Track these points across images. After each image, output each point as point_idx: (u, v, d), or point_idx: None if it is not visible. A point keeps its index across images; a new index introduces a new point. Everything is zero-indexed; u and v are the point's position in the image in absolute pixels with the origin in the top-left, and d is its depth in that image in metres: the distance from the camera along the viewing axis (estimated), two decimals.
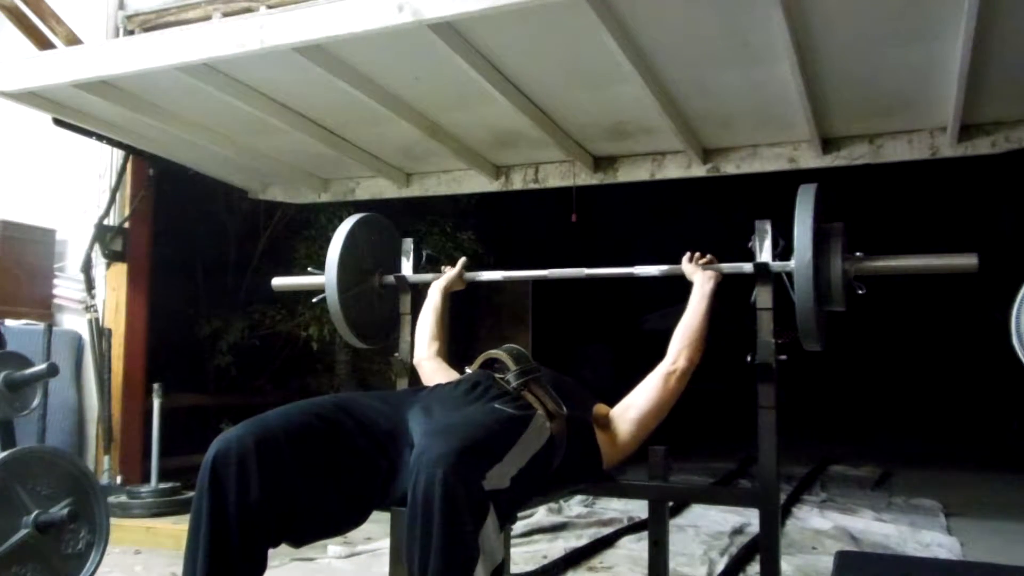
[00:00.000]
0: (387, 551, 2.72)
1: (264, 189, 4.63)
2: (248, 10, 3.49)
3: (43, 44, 3.68)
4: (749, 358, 2.17)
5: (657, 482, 2.26)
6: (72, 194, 4.59)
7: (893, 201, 9.19)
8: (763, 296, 2.19)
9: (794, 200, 2.08)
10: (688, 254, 2.30)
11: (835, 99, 3.04)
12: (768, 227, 2.22)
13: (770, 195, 3.04)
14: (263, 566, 1.61)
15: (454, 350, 2.53)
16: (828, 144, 3.41)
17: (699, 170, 3.63)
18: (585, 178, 3.82)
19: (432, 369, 2.42)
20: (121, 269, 4.50)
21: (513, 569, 3.06)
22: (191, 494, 1.64)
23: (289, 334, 5.55)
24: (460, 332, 7.07)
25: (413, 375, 2.57)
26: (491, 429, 1.65)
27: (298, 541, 1.71)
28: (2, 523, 2.28)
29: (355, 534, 3.13)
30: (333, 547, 3.50)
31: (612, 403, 2.08)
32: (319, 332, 5.25)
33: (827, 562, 3.28)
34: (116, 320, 4.45)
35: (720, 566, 3.41)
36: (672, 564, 2.50)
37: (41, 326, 4.15)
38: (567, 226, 3.98)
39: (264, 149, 3.91)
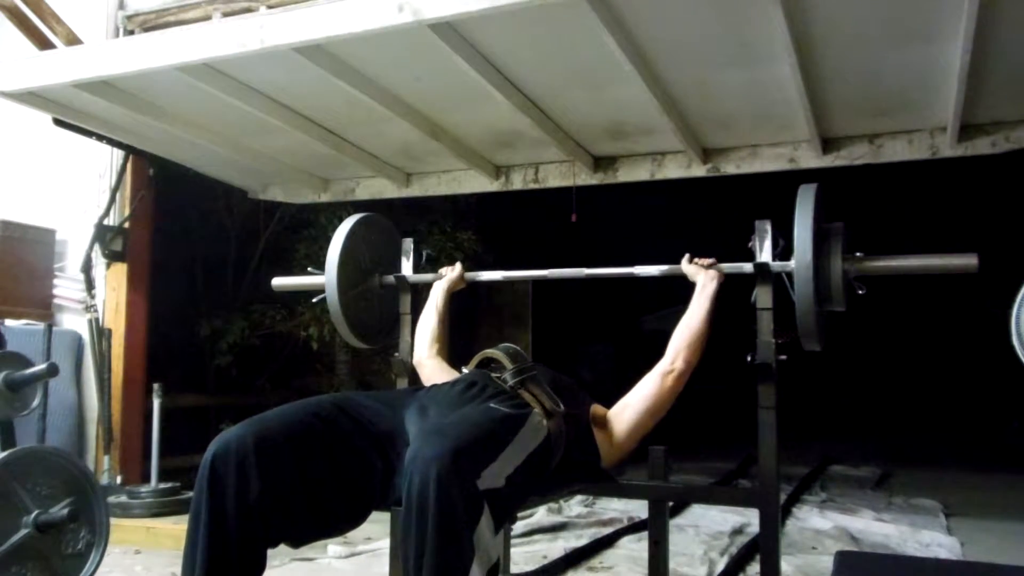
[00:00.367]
0: (387, 551, 2.73)
1: (264, 189, 4.63)
2: (248, 10, 3.49)
3: (43, 44, 3.68)
4: (749, 358, 2.17)
5: (657, 482, 2.27)
6: (72, 194, 4.59)
7: (893, 201, 9.18)
8: (763, 296, 2.19)
9: (794, 200, 2.08)
10: (688, 255, 2.30)
11: (835, 99, 3.03)
12: (768, 227, 2.22)
13: (770, 195, 3.03)
14: (262, 566, 1.61)
15: (454, 350, 2.53)
16: (828, 144, 3.40)
17: (699, 170, 3.63)
18: (585, 178, 3.82)
19: (432, 369, 2.42)
20: (121, 269, 4.50)
21: (513, 569, 3.06)
22: (191, 494, 1.64)
23: (289, 334, 5.54)
24: (460, 332, 7.06)
25: (413, 375, 2.57)
26: (486, 428, 1.65)
27: (297, 541, 1.71)
28: (2, 523, 2.28)
29: (355, 534, 3.13)
30: (333, 547, 3.51)
31: (611, 404, 2.08)
32: (319, 332, 5.25)
33: (827, 562, 3.28)
34: (116, 320, 4.45)
35: (720, 566, 3.41)
36: (672, 564, 2.50)
37: (41, 326, 4.15)
38: (567, 226, 3.97)
39: (264, 149, 3.91)
